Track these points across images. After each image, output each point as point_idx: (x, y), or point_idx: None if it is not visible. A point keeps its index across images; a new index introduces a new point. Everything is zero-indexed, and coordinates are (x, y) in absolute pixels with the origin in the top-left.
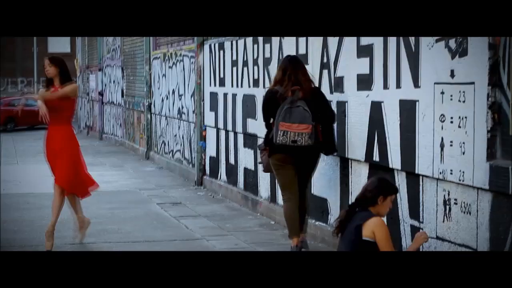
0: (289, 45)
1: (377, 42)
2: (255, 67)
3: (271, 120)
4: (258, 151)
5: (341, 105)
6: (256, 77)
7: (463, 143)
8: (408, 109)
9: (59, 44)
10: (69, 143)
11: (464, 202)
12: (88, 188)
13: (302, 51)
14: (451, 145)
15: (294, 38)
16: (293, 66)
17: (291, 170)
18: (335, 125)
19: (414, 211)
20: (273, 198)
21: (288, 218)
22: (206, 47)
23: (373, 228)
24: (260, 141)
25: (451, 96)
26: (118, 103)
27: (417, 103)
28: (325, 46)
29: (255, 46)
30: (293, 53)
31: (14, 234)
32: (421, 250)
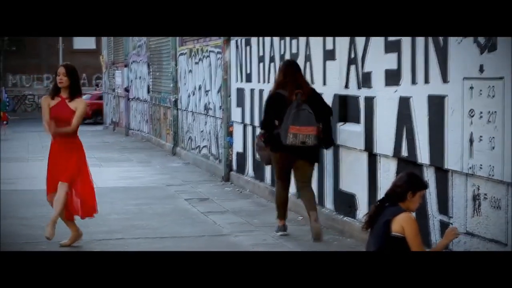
0: (316, 41)
1: (405, 37)
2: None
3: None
4: (256, 146)
5: (369, 100)
6: None
7: (493, 138)
8: (436, 104)
9: (84, 41)
10: (77, 154)
11: (493, 197)
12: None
13: (329, 46)
14: (480, 140)
15: None
16: (293, 70)
17: (290, 165)
18: (363, 124)
19: (443, 206)
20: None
21: (280, 204)
22: (233, 43)
23: (402, 224)
24: None
25: (480, 91)
26: (144, 99)
27: (445, 98)
28: (352, 41)
29: (282, 41)
30: (321, 49)
31: (42, 230)
32: (451, 246)
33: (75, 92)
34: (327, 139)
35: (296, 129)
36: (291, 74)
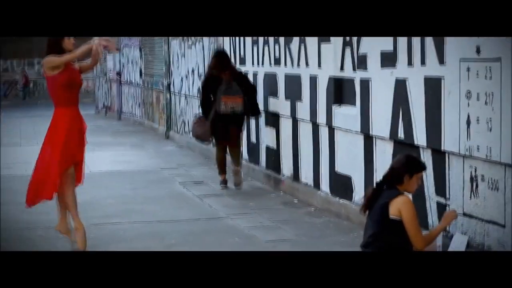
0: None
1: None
2: (276, 46)
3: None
4: (192, 123)
5: (365, 82)
6: (277, 55)
7: (490, 119)
8: (433, 86)
9: None
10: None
11: (491, 179)
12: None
13: None
14: (477, 122)
15: None
16: (223, 57)
17: (225, 130)
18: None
19: (441, 188)
20: (295, 176)
21: (219, 162)
22: None
23: (399, 207)
24: (283, 119)
25: (477, 72)
26: (137, 83)
27: (442, 80)
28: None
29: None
30: None
31: (39, 216)
32: (448, 227)
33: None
34: (254, 109)
35: (226, 98)
36: (221, 60)
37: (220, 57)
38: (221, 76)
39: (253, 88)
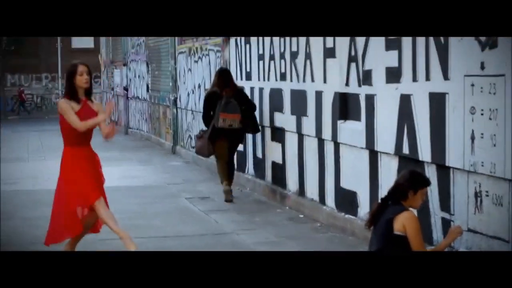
0: (317, 39)
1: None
2: (282, 61)
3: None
4: (195, 139)
5: (370, 98)
6: (283, 71)
7: (494, 135)
8: (437, 101)
9: (83, 40)
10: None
11: (495, 194)
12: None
13: (329, 44)
14: (481, 137)
15: None
16: (225, 75)
17: (225, 144)
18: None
19: (445, 204)
20: (301, 191)
21: (221, 173)
22: (232, 41)
23: (404, 222)
24: (288, 134)
25: (481, 88)
26: (144, 98)
27: (446, 95)
28: (352, 39)
29: (282, 40)
30: (321, 47)
31: (44, 230)
32: (453, 243)
33: (91, 92)
34: (253, 126)
35: (225, 115)
36: (222, 77)
37: (222, 75)
38: (222, 93)
39: (253, 106)
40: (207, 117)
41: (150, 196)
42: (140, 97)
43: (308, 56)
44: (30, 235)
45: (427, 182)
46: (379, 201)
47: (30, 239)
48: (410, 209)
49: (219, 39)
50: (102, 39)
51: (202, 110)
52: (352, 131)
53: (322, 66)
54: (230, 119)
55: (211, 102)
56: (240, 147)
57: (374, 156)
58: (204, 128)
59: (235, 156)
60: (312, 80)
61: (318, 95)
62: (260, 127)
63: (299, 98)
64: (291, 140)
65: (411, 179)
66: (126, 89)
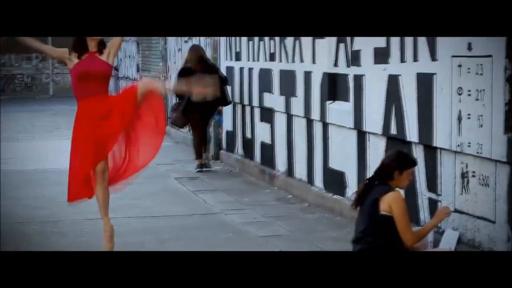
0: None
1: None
2: (271, 42)
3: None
4: (169, 111)
5: (358, 78)
6: (272, 51)
7: (481, 115)
8: (425, 82)
9: None
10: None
11: (482, 175)
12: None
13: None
14: (468, 118)
15: None
16: (197, 51)
17: (199, 116)
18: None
19: (432, 184)
20: (290, 171)
21: (196, 146)
22: None
23: (389, 202)
24: (276, 115)
25: (469, 69)
26: (134, 78)
27: (434, 76)
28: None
29: None
30: None
31: (34, 210)
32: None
33: (104, 44)
34: (224, 99)
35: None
36: (195, 54)
37: (195, 51)
38: (196, 68)
39: (224, 80)
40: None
41: (140, 176)
42: (130, 77)
43: (297, 36)
44: (20, 215)
45: (413, 163)
46: (366, 181)
47: (20, 219)
48: (397, 189)
49: None
50: None
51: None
52: (340, 111)
53: (311, 46)
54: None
55: (185, 76)
56: (230, 127)
57: (362, 137)
58: (178, 100)
59: (209, 128)
60: (301, 61)
61: (307, 75)
62: (231, 100)
63: (288, 78)
64: (280, 120)
65: (397, 159)
66: (116, 69)
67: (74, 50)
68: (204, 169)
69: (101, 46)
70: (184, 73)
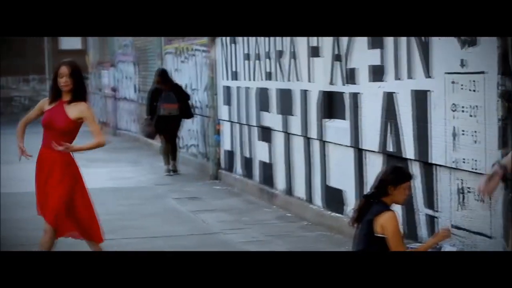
0: (301, 38)
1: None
2: (268, 60)
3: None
4: (141, 125)
5: (354, 96)
6: (269, 70)
7: (475, 132)
8: (420, 99)
9: (70, 41)
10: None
11: None
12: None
13: (313, 43)
14: (463, 134)
15: None
16: (164, 74)
17: (167, 128)
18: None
19: (430, 200)
20: (289, 190)
21: (164, 154)
22: (218, 41)
23: (382, 224)
24: (274, 134)
25: (462, 85)
26: (132, 99)
27: (428, 93)
28: (336, 38)
29: (267, 39)
30: (305, 45)
31: (33, 232)
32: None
33: (78, 95)
34: (187, 112)
35: (165, 105)
36: (162, 76)
37: (162, 75)
38: (163, 88)
39: (186, 96)
40: (151, 108)
41: (139, 197)
42: (128, 98)
43: (293, 55)
44: (20, 237)
45: (408, 176)
46: (363, 198)
47: (20, 241)
48: (393, 206)
49: (205, 39)
50: (90, 40)
51: (146, 103)
52: (337, 129)
53: (307, 65)
54: (169, 108)
55: (154, 96)
56: (228, 147)
57: (360, 154)
58: (147, 116)
59: (177, 139)
60: (298, 79)
61: (304, 94)
62: (193, 113)
63: (285, 97)
64: (279, 139)
65: (391, 174)
66: (114, 89)
67: (49, 94)
68: (172, 173)
69: (74, 97)
70: (154, 93)
